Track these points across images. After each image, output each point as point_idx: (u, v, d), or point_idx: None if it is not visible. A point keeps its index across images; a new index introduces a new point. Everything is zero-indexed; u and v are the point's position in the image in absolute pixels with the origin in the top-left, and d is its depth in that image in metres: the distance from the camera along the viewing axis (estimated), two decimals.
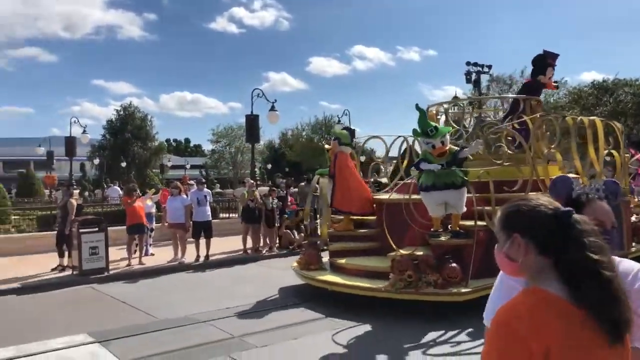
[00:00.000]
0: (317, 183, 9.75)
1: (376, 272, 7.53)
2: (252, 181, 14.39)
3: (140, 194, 12.39)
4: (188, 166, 57.26)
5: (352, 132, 9.45)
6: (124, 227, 11.57)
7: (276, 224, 12.96)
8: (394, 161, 11.58)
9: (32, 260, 11.52)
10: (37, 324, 6.99)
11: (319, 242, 9.13)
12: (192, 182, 14.51)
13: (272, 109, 17.44)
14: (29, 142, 60.50)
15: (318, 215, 14.04)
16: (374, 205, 8.94)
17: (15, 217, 15.87)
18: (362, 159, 15.76)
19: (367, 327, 6.50)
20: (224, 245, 13.01)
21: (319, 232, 13.89)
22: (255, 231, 12.55)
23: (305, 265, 8.54)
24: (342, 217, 9.06)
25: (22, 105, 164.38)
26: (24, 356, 5.63)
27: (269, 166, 53.88)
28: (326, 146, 10.20)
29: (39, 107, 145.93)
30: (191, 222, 11.67)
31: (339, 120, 24.33)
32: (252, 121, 17.52)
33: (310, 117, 54.65)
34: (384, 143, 10.62)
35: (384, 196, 9.03)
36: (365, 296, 7.21)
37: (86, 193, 25.67)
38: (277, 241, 13.19)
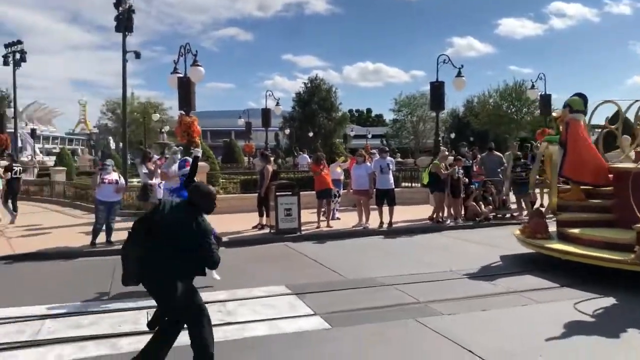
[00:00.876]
0: (545, 150, 9.33)
1: (616, 243, 7.25)
2: (446, 151, 13.89)
3: (327, 163, 13.03)
4: (369, 136, 58.45)
5: (584, 99, 8.72)
6: (313, 192, 12.33)
7: (462, 195, 12.58)
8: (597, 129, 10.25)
9: (236, 218, 12.92)
10: (243, 274, 7.85)
11: (544, 210, 9.05)
12: (374, 150, 14.75)
13: (459, 74, 16.77)
14: (230, 114, 67.59)
15: (504, 187, 13.32)
16: (611, 176, 8.43)
17: (222, 180, 17.95)
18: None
19: (612, 300, 6.19)
20: (406, 213, 13.08)
21: (508, 204, 13.19)
22: (440, 200, 12.33)
23: (532, 233, 8.51)
24: (569, 186, 8.83)
25: (225, 81, 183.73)
26: (235, 299, 6.39)
27: (453, 135, 52.34)
28: (553, 114, 10.05)
29: (238, 82, 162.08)
30: (374, 190, 11.93)
31: (533, 85, 22.42)
32: (437, 88, 17.09)
33: (499, 83, 51.34)
34: (619, 108, 9.38)
35: (629, 165, 8.34)
36: (595, 268, 7.06)
37: (279, 160, 27.86)
38: (463, 212, 12.82)
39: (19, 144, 35.16)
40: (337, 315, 5.72)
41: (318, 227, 11.82)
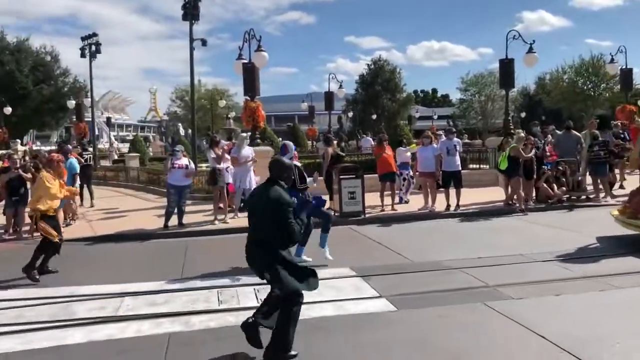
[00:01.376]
0: None
1: None
2: (522, 132, 13.30)
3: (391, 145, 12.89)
4: (435, 117, 57.23)
5: None
6: (377, 175, 12.24)
7: (534, 176, 12.04)
8: None
9: None
10: (310, 255, 7.93)
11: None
12: (440, 132, 14.41)
13: (530, 51, 15.98)
14: (294, 98, 68.21)
15: (580, 167, 12.63)
16: None
17: None
18: None
19: None
20: (474, 196, 12.72)
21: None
22: (519, 186, 11.77)
23: (633, 213, 8.15)
24: None
25: (287, 65, 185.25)
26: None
27: (523, 114, 50.17)
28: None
29: (301, 66, 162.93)
30: (441, 172, 11.67)
31: (612, 59, 21.00)
32: (507, 66, 16.37)
33: (574, 58, 48.38)
34: None
35: None
36: None
37: (342, 144, 27.84)
38: (534, 194, 12.30)
39: (96, 132, 37.17)
40: (403, 298, 5.68)
41: (382, 211, 11.75)
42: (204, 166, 16.52)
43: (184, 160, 10.55)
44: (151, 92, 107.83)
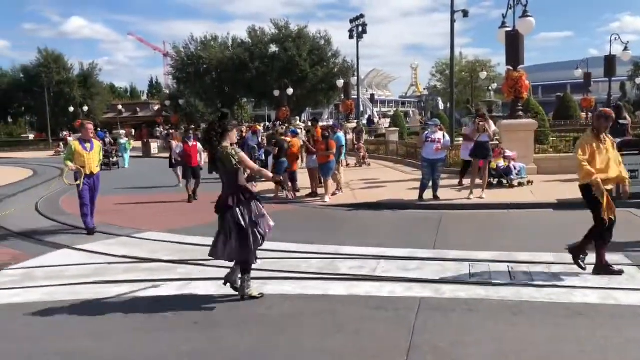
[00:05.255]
0: None
1: None
2: None
3: None
4: None
5: None
6: None
7: None
8: None
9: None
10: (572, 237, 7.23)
11: None
12: None
13: None
14: (565, 65, 61.55)
15: None
16: None
17: (553, 138, 16.66)
18: None
19: None
20: None
21: None
22: None
23: None
24: None
25: (559, 29, 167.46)
26: (562, 263, 5.97)
27: None
28: None
29: (576, 28, 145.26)
30: None
31: None
32: None
33: None
34: None
35: None
36: None
37: (625, 115, 24.03)
38: None
39: (361, 109, 40.02)
40: None
41: None
42: (460, 141, 16.36)
43: (438, 134, 10.61)
44: (412, 67, 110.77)
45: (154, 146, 33.23)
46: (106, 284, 5.86)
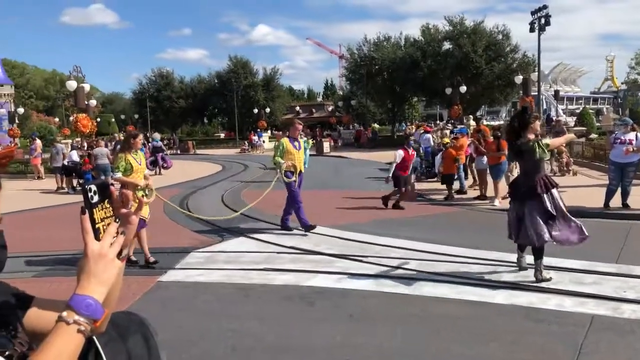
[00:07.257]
0: None
1: None
2: None
3: None
4: None
5: None
6: None
7: None
8: None
9: None
10: None
11: None
12: None
13: None
14: None
15: None
16: None
17: None
18: None
19: None
20: None
21: None
22: None
23: None
24: None
25: None
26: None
27: None
28: None
29: None
30: None
31: None
32: None
33: None
34: None
35: None
36: None
37: None
38: None
39: (543, 106, 37.06)
40: None
41: None
42: None
43: (630, 135, 9.37)
44: (607, 59, 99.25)
45: (326, 145, 35.13)
46: (274, 271, 6.37)
